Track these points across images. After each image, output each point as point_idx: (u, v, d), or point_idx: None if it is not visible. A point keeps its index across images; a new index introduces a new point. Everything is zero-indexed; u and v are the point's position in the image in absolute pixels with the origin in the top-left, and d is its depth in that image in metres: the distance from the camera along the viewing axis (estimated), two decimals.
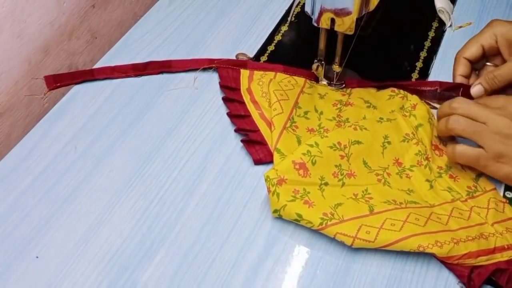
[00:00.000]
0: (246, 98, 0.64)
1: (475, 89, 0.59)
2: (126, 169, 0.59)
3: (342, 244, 0.52)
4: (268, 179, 0.53)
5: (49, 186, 0.57)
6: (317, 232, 0.53)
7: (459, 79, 0.62)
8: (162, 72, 0.68)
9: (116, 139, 0.62)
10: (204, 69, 0.68)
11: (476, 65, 0.63)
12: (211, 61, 0.68)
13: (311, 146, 0.55)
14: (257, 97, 0.63)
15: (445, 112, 0.56)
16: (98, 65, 0.70)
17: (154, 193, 0.57)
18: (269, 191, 0.52)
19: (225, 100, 0.65)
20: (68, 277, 0.50)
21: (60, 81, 0.66)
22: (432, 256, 0.50)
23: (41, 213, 0.55)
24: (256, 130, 0.61)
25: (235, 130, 0.61)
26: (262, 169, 0.58)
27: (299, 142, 0.58)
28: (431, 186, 0.55)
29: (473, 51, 0.61)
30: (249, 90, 0.64)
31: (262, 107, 0.63)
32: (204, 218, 0.54)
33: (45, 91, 0.64)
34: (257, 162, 0.59)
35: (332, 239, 0.52)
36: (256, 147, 0.59)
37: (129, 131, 0.63)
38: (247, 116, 0.62)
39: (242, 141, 0.60)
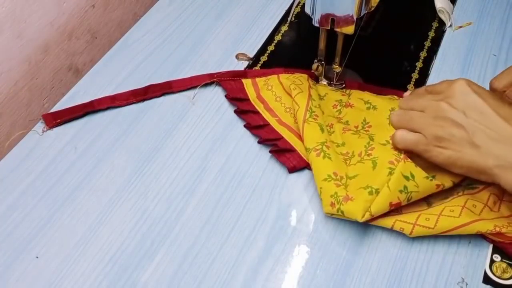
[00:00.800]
0: (260, 107, 0.63)
1: None
2: (126, 169, 0.59)
3: (342, 244, 0.52)
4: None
5: (49, 186, 0.57)
6: (316, 232, 0.53)
7: None
8: (163, 94, 0.66)
9: (116, 139, 0.62)
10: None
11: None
12: (211, 76, 0.67)
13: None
14: (271, 103, 0.63)
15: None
16: (98, 65, 0.70)
17: (154, 193, 0.57)
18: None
19: (238, 112, 0.64)
20: (68, 277, 0.50)
21: (60, 118, 0.63)
22: (432, 255, 0.51)
23: (41, 213, 0.55)
24: (280, 138, 0.60)
25: (259, 142, 0.60)
26: (262, 169, 0.58)
27: (322, 130, 0.57)
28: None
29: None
30: (260, 99, 0.64)
31: (278, 113, 0.62)
32: (204, 218, 0.54)
33: (45, 128, 0.63)
34: (292, 170, 0.57)
35: (332, 240, 0.52)
36: (287, 155, 0.58)
37: (129, 131, 0.63)
38: (266, 125, 0.61)
39: (271, 151, 0.59)
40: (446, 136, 0.51)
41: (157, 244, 0.53)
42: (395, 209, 0.52)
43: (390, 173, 0.51)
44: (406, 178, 0.51)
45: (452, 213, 0.51)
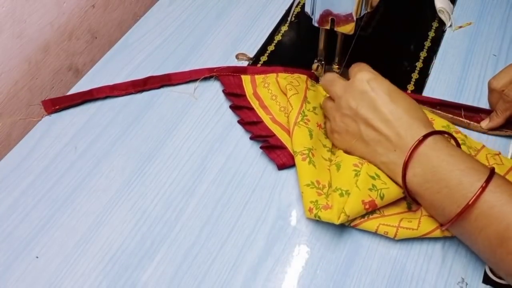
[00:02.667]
0: (255, 104, 0.63)
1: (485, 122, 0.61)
2: (126, 169, 0.59)
3: (342, 244, 0.52)
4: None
5: (49, 186, 0.57)
6: (316, 232, 0.53)
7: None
8: (162, 86, 0.67)
9: (116, 139, 0.62)
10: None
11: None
12: (210, 70, 0.67)
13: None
14: (266, 101, 0.63)
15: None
16: (98, 65, 0.70)
17: (154, 193, 0.57)
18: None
19: (233, 108, 0.64)
20: (68, 277, 0.51)
21: (59, 104, 0.64)
22: (432, 255, 0.51)
23: (41, 213, 0.55)
24: (272, 135, 0.60)
25: (251, 138, 0.61)
26: (262, 169, 0.58)
27: (311, 135, 0.57)
28: None
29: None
30: (256, 96, 0.64)
31: (272, 111, 0.62)
32: (204, 218, 0.54)
33: (43, 114, 0.63)
34: (281, 166, 0.58)
35: (332, 239, 0.52)
36: (277, 152, 0.59)
37: (129, 131, 0.63)
38: (259, 122, 0.61)
39: (261, 147, 0.59)
40: (341, 131, 0.55)
41: (157, 244, 0.53)
42: (377, 211, 0.52)
43: (357, 175, 0.52)
44: (372, 177, 0.52)
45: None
